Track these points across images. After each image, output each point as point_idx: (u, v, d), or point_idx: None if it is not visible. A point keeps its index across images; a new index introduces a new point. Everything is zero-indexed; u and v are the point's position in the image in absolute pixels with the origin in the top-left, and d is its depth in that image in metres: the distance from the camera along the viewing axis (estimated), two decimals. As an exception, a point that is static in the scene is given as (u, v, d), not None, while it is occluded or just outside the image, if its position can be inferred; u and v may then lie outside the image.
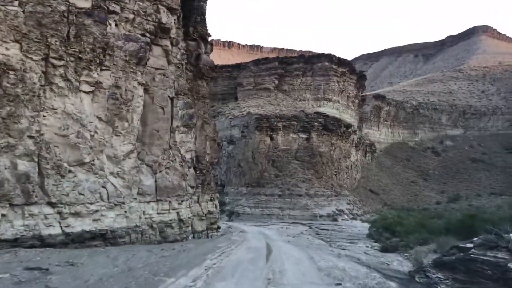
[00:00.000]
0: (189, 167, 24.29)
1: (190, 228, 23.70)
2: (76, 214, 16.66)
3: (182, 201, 22.88)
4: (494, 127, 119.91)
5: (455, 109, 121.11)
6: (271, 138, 62.37)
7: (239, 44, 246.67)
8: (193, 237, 24.11)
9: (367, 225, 40.76)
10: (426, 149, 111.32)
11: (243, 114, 66.61)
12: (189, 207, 23.83)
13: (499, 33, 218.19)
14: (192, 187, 24.61)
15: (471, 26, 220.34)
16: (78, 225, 16.66)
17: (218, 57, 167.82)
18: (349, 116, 79.35)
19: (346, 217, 54.70)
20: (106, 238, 17.89)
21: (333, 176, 63.64)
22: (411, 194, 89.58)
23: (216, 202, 28.13)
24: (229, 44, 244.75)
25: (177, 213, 22.22)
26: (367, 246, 24.07)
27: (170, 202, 21.79)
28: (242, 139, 63.88)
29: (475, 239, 12.69)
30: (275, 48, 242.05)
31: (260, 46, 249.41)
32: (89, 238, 17.14)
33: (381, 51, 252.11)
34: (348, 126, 70.34)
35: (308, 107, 70.76)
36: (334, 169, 63.99)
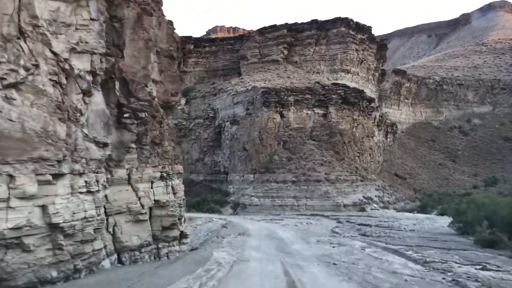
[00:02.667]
0: (88, 93, 11.87)
1: (99, 245, 11.60)
2: None
3: (60, 175, 10.37)
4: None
5: (482, 84, 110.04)
6: (281, 115, 52.54)
7: (244, 29, 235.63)
8: (119, 261, 12.91)
9: (412, 216, 31.04)
10: (452, 129, 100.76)
11: (247, 89, 56.74)
12: (93, 192, 11.39)
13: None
14: (102, 146, 12.23)
15: (487, 3, 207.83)
16: None
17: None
18: (369, 91, 69.09)
19: (375, 206, 44.97)
20: None
21: (356, 158, 53.66)
22: (441, 178, 79.47)
23: (177, 183, 15.22)
24: (234, 30, 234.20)
25: (43, 208, 9.88)
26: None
27: (13, 177, 9.30)
28: (247, 118, 54.09)
29: None
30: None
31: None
32: None
33: (391, 32, 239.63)
34: (371, 100, 60.12)
35: (323, 80, 60.65)
36: (357, 150, 54.00)
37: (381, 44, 75.48)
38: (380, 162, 68.17)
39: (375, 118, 64.39)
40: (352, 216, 34.86)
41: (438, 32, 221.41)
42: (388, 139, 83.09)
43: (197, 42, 72.74)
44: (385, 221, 25.82)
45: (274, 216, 38.43)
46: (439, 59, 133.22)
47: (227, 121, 58.06)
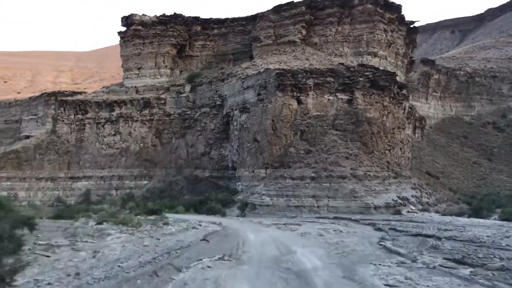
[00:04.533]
0: None
1: None
2: None
3: None
4: None
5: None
6: (299, 101, 44.91)
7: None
8: None
9: (475, 222, 23.21)
10: (486, 125, 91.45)
11: (259, 71, 49.14)
12: None
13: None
14: None
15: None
16: None
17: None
18: (398, 78, 60.80)
19: (412, 208, 37.02)
20: None
21: (386, 152, 45.63)
22: (477, 177, 70.73)
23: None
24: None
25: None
26: None
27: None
28: (258, 104, 46.50)
29: None
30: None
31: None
32: None
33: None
34: (402, 86, 51.94)
35: (347, 63, 52.65)
36: (387, 143, 45.94)
37: (411, 27, 66.97)
38: (409, 159, 59.92)
39: (405, 108, 56.19)
40: (390, 220, 26.95)
41: (462, 28, 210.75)
42: (416, 135, 74.80)
43: (205, 23, 65.30)
44: (448, 230, 17.95)
45: (289, 219, 30.86)
46: (469, 51, 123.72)
47: (236, 109, 50.55)
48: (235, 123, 50.80)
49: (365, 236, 17.87)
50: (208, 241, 14.87)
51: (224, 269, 10.64)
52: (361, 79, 45.25)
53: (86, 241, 13.75)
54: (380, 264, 10.97)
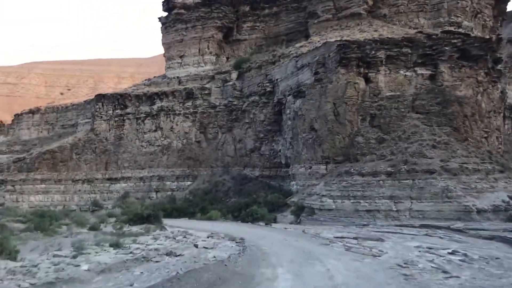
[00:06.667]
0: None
1: None
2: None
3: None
4: None
5: None
6: (367, 79, 35.92)
7: None
8: None
9: None
10: None
11: (316, 47, 40.55)
12: None
13: None
14: None
15: None
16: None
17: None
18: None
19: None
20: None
21: (483, 140, 35.45)
22: None
23: None
24: None
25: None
26: None
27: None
28: (316, 86, 37.85)
29: None
30: None
31: None
32: None
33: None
34: (497, 60, 41.29)
35: (427, 30, 42.69)
36: (483, 128, 35.74)
37: (500, -5, 55.45)
38: (502, 152, 48.63)
39: (498, 89, 45.26)
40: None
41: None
42: (506, 126, 62.68)
43: (254, 2, 57.41)
44: None
45: (360, 230, 22.15)
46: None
47: (289, 94, 42.15)
48: (288, 111, 42.38)
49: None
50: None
51: None
52: (447, 48, 35.42)
53: None
54: None
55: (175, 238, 14.43)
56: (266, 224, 24.38)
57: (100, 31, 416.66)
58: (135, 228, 15.58)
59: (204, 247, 12.83)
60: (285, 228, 22.00)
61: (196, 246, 13.26)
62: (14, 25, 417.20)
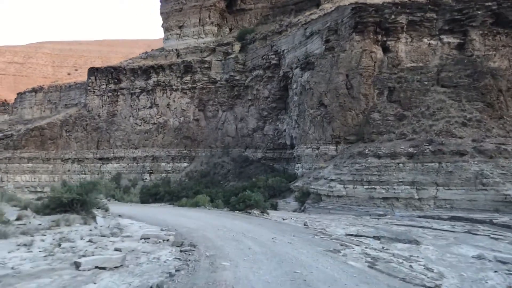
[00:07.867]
0: None
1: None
2: None
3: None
4: None
5: None
6: (385, 48, 31.26)
7: None
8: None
9: None
10: None
11: (327, 12, 35.78)
12: None
13: None
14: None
15: None
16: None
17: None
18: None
19: None
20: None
21: (519, 119, 30.68)
22: None
23: None
24: None
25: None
26: None
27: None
28: (326, 56, 33.16)
29: None
30: None
31: None
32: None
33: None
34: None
35: None
36: (520, 105, 30.91)
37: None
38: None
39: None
40: None
41: None
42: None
43: (260, -32, 52.47)
44: None
45: (377, 221, 17.82)
46: None
47: (297, 66, 37.50)
48: (294, 86, 37.78)
49: None
50: None
51: None
52: (479, 12, 30.46)
53: None
54: None
55: (60, 245, 9.25)
56: (261, 212, 20.00)
57: (109, 12, 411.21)
58: (44, 220, 11.27)
59: (97, 267, 7.65)
60: (283, 219, 17.57)
61: (77, 265, 7.79)
62: (22, 4, 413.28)
